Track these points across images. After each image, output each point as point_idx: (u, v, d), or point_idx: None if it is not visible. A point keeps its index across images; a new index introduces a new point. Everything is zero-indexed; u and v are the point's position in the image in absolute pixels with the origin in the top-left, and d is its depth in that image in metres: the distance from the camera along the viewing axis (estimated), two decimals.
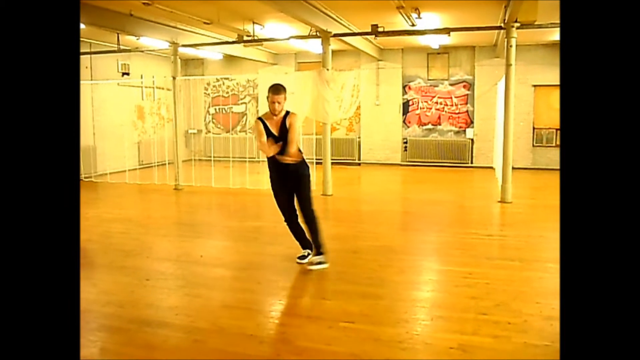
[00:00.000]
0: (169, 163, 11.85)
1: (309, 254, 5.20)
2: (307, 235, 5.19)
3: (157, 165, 13.14)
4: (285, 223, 5.23)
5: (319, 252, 5.16)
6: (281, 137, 5.00)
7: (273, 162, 5.06)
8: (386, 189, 11.53)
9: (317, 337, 3.66)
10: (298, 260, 5.18)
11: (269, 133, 5.01)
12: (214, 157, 12.81)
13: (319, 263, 5.14)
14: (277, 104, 4.92)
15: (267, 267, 5.14)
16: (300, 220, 5.16)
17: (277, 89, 4.96)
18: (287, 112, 5.04)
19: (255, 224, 7.31)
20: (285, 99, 4.99)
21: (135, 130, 14.20)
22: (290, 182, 5.08)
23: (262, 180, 11.28)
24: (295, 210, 5.15)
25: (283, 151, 4.97)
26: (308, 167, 5.18)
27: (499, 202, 8.91)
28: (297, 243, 5.29)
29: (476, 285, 4.69)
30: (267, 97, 4.97)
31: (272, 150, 4.93)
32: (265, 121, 5.03)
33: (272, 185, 5.18)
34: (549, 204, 8.80)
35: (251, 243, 6.33)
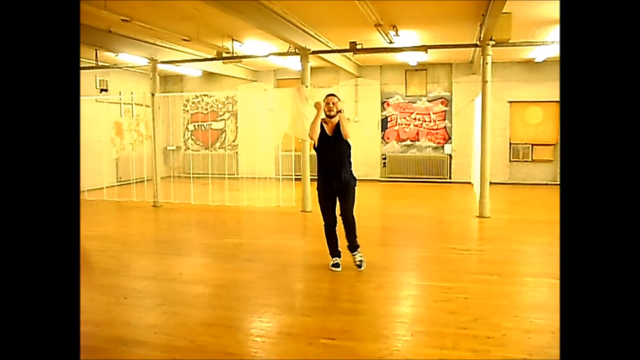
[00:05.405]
0: (147, 180, 11.75)
1: (338, 263, 5.73)
2: (348, 238, 5.69)
3: (136, 182, 12.99)
4: (325, 227, 5.79)
5: (356, 249, 5.77)
6: (334, 138, 5.59)
7: (324, 173, 5.74)
8: (365, 204, 11.51)
9: (297, 354, 3.64)
10: (332, 268, 5.66)
11: (323, 135, 5.63)
12: (193, 173, 12.71)
13: (361, 257, 5.75)
14: (331, 104, 5.54)
15: (246, 284, 5.10)
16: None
17: (330, 94, 5.72)
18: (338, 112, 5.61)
19: (234, 240, 7.25)
20: (338, 101, 5.60)
21: (114, 147, 14.07)
22: (338, 191, 5.66)
23: (241, 197, 11.29)
24: (336, 216, 5.73)
25: (339, 175, 5.63)
26: (356, 180, 5.79)
27: (477, 217, 9.01)
28: (328, 249, 5.81)
29: (455, 300, 4.72)
30: (323, 101, 5.60)
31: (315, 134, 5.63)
32: (323, 124, 5.67)
33: (319, 190, 5.81)
34: (526, 219, 8.92)
35: (230, 260, 6.29)
